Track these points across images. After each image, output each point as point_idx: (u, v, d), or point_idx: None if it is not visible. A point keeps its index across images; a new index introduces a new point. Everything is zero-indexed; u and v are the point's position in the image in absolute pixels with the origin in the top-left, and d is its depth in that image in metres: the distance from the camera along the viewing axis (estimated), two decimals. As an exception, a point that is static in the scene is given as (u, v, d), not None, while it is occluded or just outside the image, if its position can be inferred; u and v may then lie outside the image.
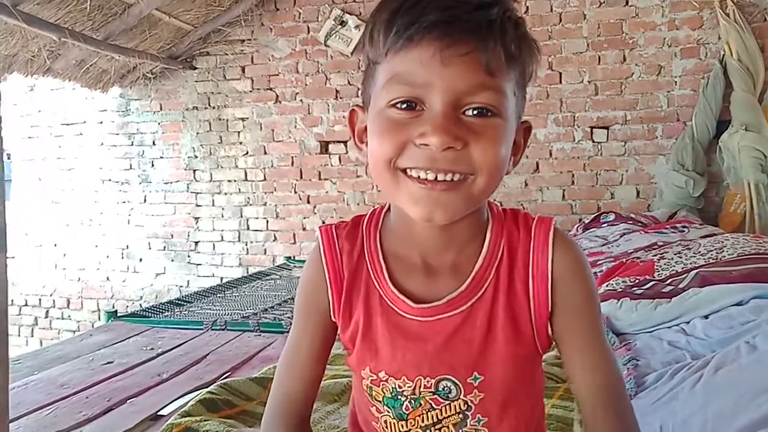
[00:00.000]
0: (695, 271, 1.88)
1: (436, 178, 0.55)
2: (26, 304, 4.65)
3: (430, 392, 0.63)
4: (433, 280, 0.63)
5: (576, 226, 3.14)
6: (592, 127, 3.48)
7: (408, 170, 0.56)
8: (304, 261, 3.67)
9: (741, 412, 1.02)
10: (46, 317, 4.61)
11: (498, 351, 0.62)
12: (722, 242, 2.07)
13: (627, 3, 3.38)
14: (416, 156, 0.55)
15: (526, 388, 0.65)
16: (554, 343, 0.65)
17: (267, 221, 4.11)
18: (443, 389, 0.63)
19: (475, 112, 0.54)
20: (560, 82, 3.51)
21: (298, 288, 0.71)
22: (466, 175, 0.55)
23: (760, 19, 3.15)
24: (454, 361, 0.62)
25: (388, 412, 0.65)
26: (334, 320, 0.68)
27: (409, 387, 0.63)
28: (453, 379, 0.63)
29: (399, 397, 0.64)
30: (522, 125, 0.62)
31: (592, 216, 3.15)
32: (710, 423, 1.03)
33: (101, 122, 4.39)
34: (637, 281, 1.99)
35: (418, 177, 0.55)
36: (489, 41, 0.53)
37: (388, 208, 0.68)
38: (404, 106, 0.55)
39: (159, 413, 1.44)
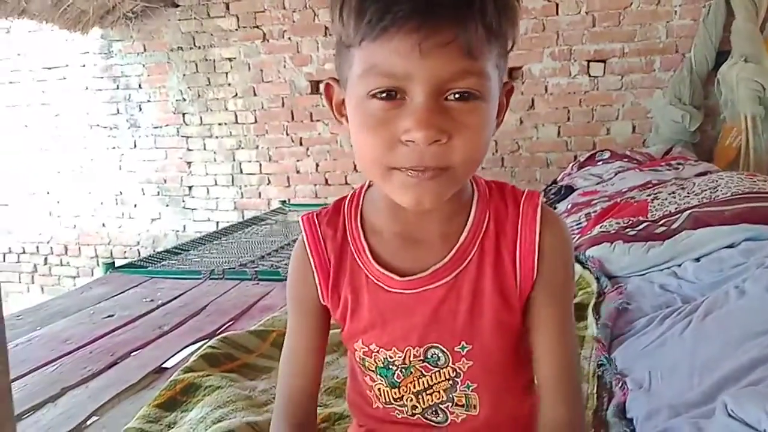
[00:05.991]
0: (689, 211, 1.88)
1: (425, 169, 0.54)
2: (24, 252, 4.68)
3: (419, 360, 0.66)
4: (417, 253, 0.64)
5: (571, 165, 3.12)
6: (588, 61, 3.39)
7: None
8: (299, 205, 3.58)
9: (727, 358, 1.04)
10: (45, 264, 4.65)
11: (485, 321, 0.64)
12: (716, 181, 2.06)
13: (628, -73, 3.21)
14: (404, 154, 0.54)
15: (513, 357, 0.68)
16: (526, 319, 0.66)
17: (260, 164, 4.08)
18: (432, 357, 0.66)
19: (457, 95, 0.53)
20: (557, 13, 3.39)
21: (288, 281, 0.72)
22: (450, 165, 0.55)
23: (766, -58, 3.01)
24: (441, 331, 0.65)
25: (381, 380, 0.69)
26: (325, 304, 0.69)
27: (399, 357, 0.66)
28: (441, 347, 0.65)
29: (390, 366, 0.67)
30: (504, 87, 0.61)
31: (588, 154, 3.12)
32: (697, 369, 1.05)
33: (84, 65, 4.25)
34: (630, 222, 1.99)
35: (408, 170, 0.55)
36: (470, 25, 0.50)
37: (369, 184, 0.68)
38: (384, 95, 0.53)
39: (163, 366, 1.48)
